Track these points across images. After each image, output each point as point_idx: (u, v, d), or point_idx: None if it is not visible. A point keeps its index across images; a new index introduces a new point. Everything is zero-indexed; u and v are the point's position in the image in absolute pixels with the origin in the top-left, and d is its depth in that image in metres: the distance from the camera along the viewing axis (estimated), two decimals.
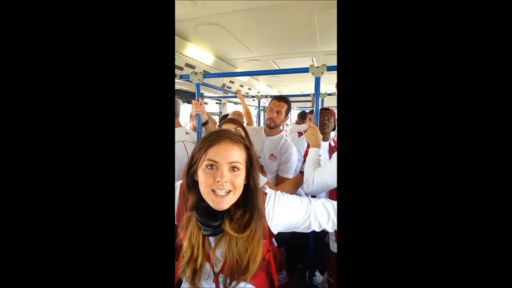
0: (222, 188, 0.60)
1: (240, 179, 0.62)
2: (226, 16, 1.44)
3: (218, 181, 0.59)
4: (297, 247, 1.88)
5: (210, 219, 0.62)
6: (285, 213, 0.70)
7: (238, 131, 1.24)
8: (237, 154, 0.62)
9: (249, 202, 0.65)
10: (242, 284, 0.64)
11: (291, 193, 0.76)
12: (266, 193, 0.71)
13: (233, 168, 0.62)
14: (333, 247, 1.25)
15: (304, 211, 0.71)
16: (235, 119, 1.32)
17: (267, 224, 0.68)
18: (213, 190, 0.60)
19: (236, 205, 0.64)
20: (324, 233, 1.58)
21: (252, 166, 0.66)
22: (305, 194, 1.20)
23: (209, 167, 0.61)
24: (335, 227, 0.72)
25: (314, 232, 1.36)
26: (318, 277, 1.93)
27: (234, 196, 0.62)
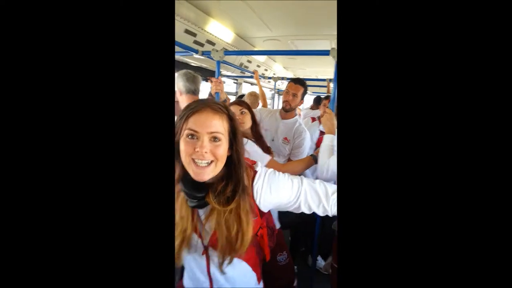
0: (203, 159, 0.59)
1: (221, 149, 0.61)
2: None
3: (198, 151, 0.58)
4: (302, 231, 1.91)
5: (195, 190, 0.62)
6: (274, 192, 0.68)
7: (243, 112, 1.23)
8: (218, 124, 0.61)
9: (233, 175, 0.64)
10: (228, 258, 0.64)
11: (298, 173, 0.73)
12: (256, 171, 0.69)
13: (214, 139, 0.60)
14: None
15: (294, 193, 0.69)
16: (242, 101, 1.29)
17: (255, 202, 0.67)
18: (193, 160, 0.59)
19: (220, 177, 0.64)
20: (330, 219, 1.60)
21: (236, 138, 0.65)
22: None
23: (189, 136, 0.60)
24: (328, 213, 0.70)
25: (320, 217, 1.39)
26: (320, 262, 1.98)
27: (216, 168, 0.61)
